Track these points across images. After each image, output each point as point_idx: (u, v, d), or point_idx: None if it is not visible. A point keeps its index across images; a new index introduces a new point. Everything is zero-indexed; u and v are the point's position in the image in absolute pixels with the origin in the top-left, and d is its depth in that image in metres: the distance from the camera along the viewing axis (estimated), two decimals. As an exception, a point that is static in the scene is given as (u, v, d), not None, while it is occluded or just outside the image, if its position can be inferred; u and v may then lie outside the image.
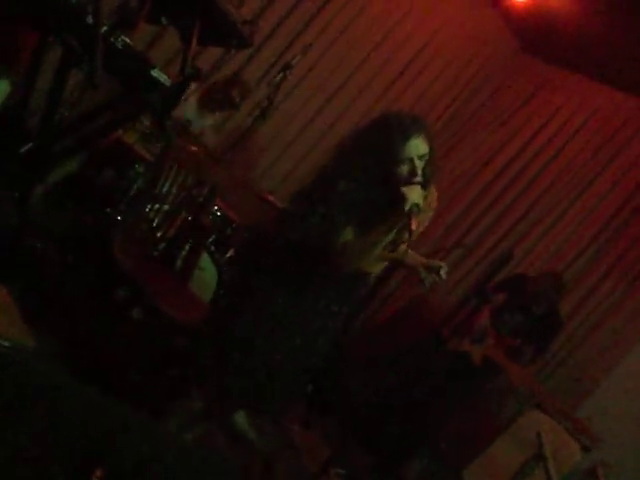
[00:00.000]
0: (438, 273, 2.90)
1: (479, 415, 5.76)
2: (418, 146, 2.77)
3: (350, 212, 2.79)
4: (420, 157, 2.77)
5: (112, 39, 2.57)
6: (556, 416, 4.75)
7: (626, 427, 5.37)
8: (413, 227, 2.69)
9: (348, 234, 2.79)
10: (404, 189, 2.73)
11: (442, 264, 2.91)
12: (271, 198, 5.73)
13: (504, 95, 7.48)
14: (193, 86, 5.10)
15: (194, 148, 4.83)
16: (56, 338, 2.98)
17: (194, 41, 2.92)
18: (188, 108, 5.19)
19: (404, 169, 2.76)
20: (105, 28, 2.55)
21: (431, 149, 2.82)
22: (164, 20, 3.07)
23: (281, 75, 4.53)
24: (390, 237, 2.84)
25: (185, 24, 2.98)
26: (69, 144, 3.07)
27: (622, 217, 6.37)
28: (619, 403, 5.60)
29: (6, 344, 1.71)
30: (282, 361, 2.90)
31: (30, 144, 2.87)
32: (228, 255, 4.96)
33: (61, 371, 2.62)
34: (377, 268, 3.10)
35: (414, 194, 2.72)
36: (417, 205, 2.71)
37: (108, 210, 4.60)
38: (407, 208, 2.70)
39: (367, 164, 2.80)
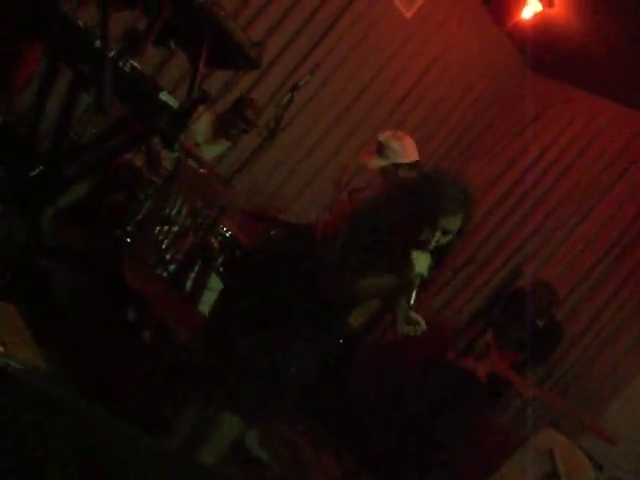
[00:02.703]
0: (415, 328, 2.88)
1: (491, 433, 5.74)
2: (450, 222, 2.74)
3: (360, 252, 2.79)
4: (444, 231, 2.76)
5: (120, 63, 2.60)
6: (570, 432, 4.73)
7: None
8: (411, 299, 2.67)
9: (349, 269, 2.79)
10: (415, 254, 2.73)
11: (422, 322, 2.88)
12: (281, 217, 5.74)
13: (512, 113, 7.49)
14: (201, 109, 5.13)
15: (202, 170, 4.86)
16: (66, 359, 2.99)
17: (202, 64, 2.95)
18: (197, 131, 5.22)
19: (424, 233, 2.76)
20: (113, 52, 2.58)
21: (463, 225, 2.80)
22: (172, 44, 3.10)
23: (289, 96, 4.55)
24: (375, 292, 2.85)
25: (193, 47, 3.01)
26: (79, 167, 3.09)
27: (633, 232, 6.35)
28: (632, 418, 5.57)
29: (16, 365, 1.72)
30: (290, 385, 2.91)
31: (40, 167, 2.89)
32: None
33: (71, 392, 2.63)
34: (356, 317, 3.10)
35: (422, 263, 2.71)
36: (421, 276, 2.69)
37: (118, 232, 4.63)
38: (412, 275, 2.69)
39: (402, 214, 2.79)
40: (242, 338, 2.85)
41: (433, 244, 2.73)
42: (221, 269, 4.90)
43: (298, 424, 4.84)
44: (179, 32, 3.00)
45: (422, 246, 2.73)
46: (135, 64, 2.66)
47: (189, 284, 4.82)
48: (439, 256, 2.81)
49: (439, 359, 5.42)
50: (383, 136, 3.82)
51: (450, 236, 2.77)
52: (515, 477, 4.61)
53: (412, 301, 2.64)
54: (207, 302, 4.68)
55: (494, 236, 7.08)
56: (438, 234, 2.73)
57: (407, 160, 3.77)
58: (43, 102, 3.02)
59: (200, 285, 4.79)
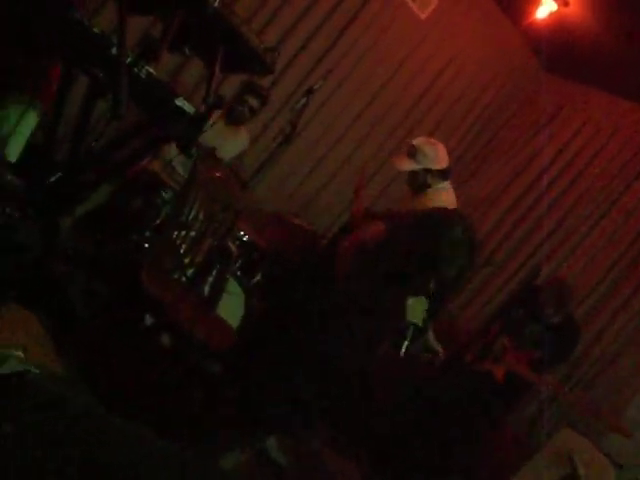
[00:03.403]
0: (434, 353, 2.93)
1: (510, 435, 5.71)
2: (448, 268, 2.83)
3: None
4: (441, 279, 2.79)
5: (136, 69, 2.62)
6: (589, 434, 4.70)
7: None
8: (402, 347, 2.69)
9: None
10: (410, 301, 2.74)
11: (440, 350, 2.95)
12: (297, 221, 5.75)
13: (527, 113, 7.47)
14: (217, 114, 5.15)
15: (219, 174, 4.87)
16: (83, 364, 3.01)
17: (217, 69, 2.96)
18: (213, 135, 5.24)
19: (420, 278, 2.77)
20: (129, 59, 2.59)
21: (463, 273, 2.83)
22: (187, 50, 3.11)
23: (303, 100, 4.56)
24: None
25: (208, 53, 3.02)
26: (96, 174, 3.12)
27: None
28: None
29: (37, 371, 1.73)
30: (305, 388, 2.92)
31: (58, 174, 2.92)
32: (255, 281, 4.98)
33: (90, 398, 2.65)
34: None
35: (416, 311, 2.73)
36: (415, 325, 2.71)
37: (136, 237, 4.65)
38: (407, 320, 2.71)
39: (401, 259, 2.81)
40: (262, 344, 2.88)
41: (430, 290, 2.73)
42: (239, 273, 4.92)
43: (317, 427, 4.84)
44: (193, 38, 3.02)
45: (418, 292, 2.74)
46: (151, 70, 2.68)
47: (207, 288, 4.84)
48: (436, 303, 2.82)
49: (456, 362, 5.41)
50: (417, 140, 3.86)
51: (446, 280, 2.79)
52: None
53: (403, 349, 2.67)
54: (225, 306, 4.69)
55: (511, 237, 7.06)
56: (434, 281, 2.74)
57: (438, 166, 3.81)
58: (60, 109, 3.04)
59: (218, 289, 4.80)
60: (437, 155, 3.82)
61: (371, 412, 5.47)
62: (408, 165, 3.81)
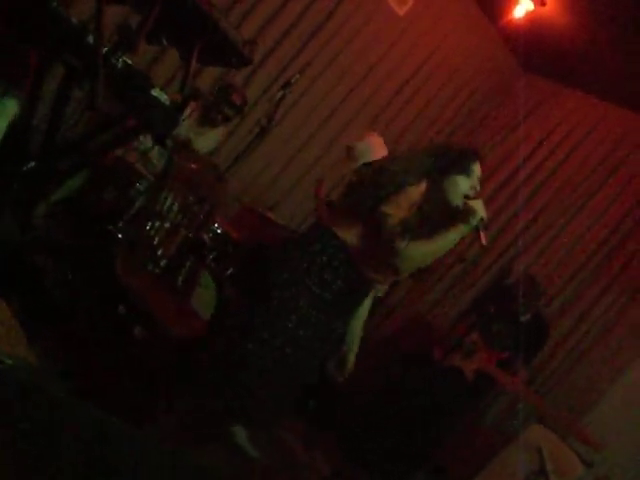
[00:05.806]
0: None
1: (479, 430, 5.75)
2: (479, 170, 2.97)
3: (421, 217, 2.82)
4: (478, 178, 2.94)
5: (113, 59, 2.60)
6: (558, 430, 4.75)
7: (628, 440, 5.35)
8: (483, 241, 2.75)
9: (413, 237, 2.80)
10: (472, 202, 2.79)
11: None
12: (271, 215, 5.75)
13: (503, 111, 7.52)
14: (193, 105, 5.13)
15: (194, 166, 4.86)
16: (58, 355, 3.00)
17: (194, 61, 2.95)
18: (188, 126, 5.22)
19: (467, 182, 2.86)
20: (106, 48, 2.58)
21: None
22: (164, 40, 3.10)
23: (281, 93, 4.57)
24: (451, 245, 2.87)
25: (185, 44, 3.01)
26: (71, 163, 3.09)
27: (622, 231, 6.37)
28: (621, 416, 5.59)
29: (8, 361, 1.72)
30: (280, 377, 2.91)
31: (32, 163, 2.89)
32: (228, 273, 4.97)
33: (62, 388, 2.64)
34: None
35: (480, 208, 2.78)
36: (482, 219, 2.76)
37: (110, 228, 4.63)
38: (475, 222, 2.75)
39: (439, 169, 2.87)
40: (238, 335, 2.87)
41: (477, 190, 2.87)
42: (212, 265, 4.91)
43: (289, 422, 4.85)
44: (171, 28, 3.00)
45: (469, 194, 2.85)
46: (127, 60, 2.67)
47: (181, 280, 4.83)
48: None
49: (427, 357, 5.44)
50: (348, 140, 3.88)
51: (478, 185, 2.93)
52: (503, 474, 4.63)
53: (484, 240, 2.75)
54: (199, 298, 4.68)
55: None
56: (477, 179, 2.96)
57: (375, 158, 3.80)
58: (35, 97, 3.02)
59: (192, 281, 4.79)
60: (370, 148, 3.83)
61: (342, 404, 5.50)
62: (349, 166, 3.82)
